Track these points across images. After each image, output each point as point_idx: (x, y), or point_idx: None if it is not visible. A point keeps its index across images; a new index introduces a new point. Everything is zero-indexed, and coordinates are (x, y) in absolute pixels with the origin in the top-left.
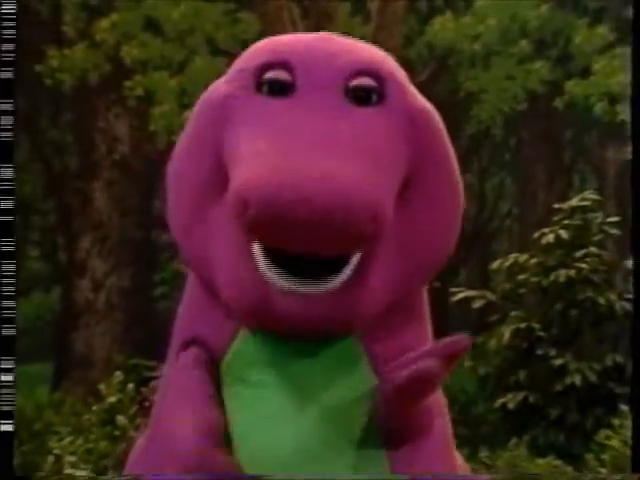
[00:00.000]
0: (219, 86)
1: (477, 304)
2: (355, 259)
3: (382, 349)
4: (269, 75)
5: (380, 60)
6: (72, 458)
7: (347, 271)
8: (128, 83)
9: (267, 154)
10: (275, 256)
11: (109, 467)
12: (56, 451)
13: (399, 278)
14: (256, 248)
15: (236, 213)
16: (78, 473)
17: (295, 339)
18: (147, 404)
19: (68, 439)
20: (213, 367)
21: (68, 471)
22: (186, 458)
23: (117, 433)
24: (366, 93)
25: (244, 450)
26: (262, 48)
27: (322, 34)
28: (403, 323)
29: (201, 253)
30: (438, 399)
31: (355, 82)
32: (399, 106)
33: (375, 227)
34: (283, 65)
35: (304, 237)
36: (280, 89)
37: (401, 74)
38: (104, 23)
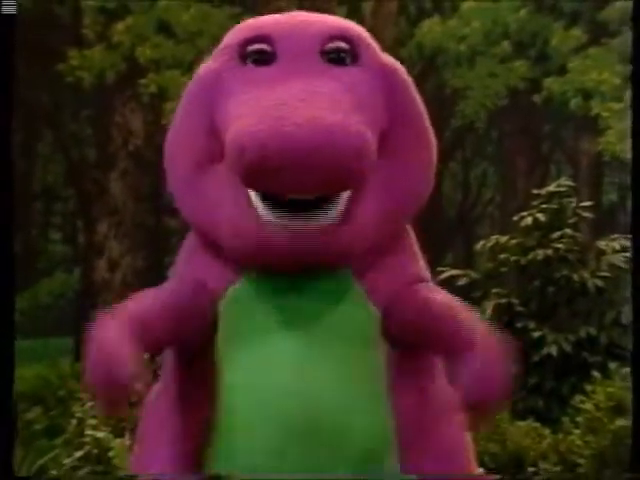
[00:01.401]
0: (207, 65)
1: (462, 282)
2: (345, 197)
3: (375, 283)
4: (252, 48)
5: (350, 26)
6: (93, 421)
7: (337, 208)
8: (142, 81)
9: (257, 110)
10: (271, 201)
11: (126, 429)
12: (78, 415)
13: (384, 215)
14: (253, 195)
15: (234, 159)
16: (98, 434)
17: (292, 277)
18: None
19: (89, 404)
20: (212, 307)
21: (89, 432)
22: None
23: (133, 399)
24: (340, 55)
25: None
26: (243, 26)
27: (296, 12)
28: (393, 259)
29: (199, 211)
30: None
31: (330, 45)
32: (371, 64)
33: (361, 163)
34: (263, 38)
35: (296, 177)
36: (263, 59)
37: (368, 37)
38: (120, 26)
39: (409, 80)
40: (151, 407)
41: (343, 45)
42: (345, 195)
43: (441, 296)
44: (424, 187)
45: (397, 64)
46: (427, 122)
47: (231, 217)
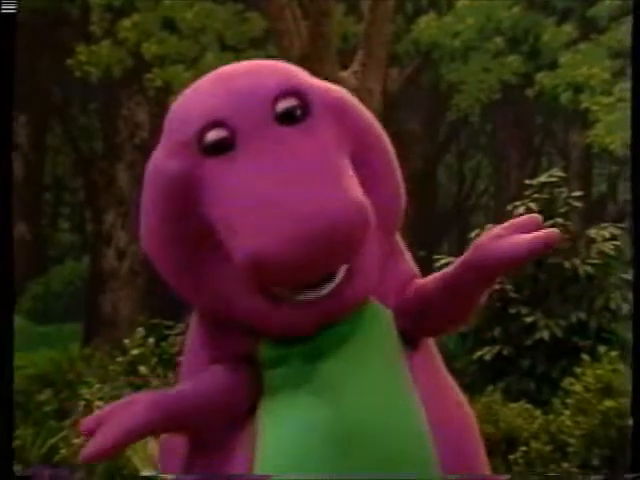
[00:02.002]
0: (166, 162)
1: None
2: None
3: (382, 292)
4: (209, 139)
5: (289, 75)
6: (100, 403)
7: (341, 273)
8: (148, 75)
9: (250, 214)
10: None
11: None
12: (87, 397)
13: (379, 245)
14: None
15: (253, 274)
16: None
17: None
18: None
19: (97, 387)
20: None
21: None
22: None
23: (139, 382)
24: (292, 113)
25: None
26: (191, 114)
27: (224, 70)
28: (389, 265)
29: (210, 296)
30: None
31: (279, 108)
32: (321, 108)
33: (366, 224)
34: (217, 124)
35: (316, 267)
36: (224, 146)
37: (305, 75)
38: (126, 23)
39: (355, 103)
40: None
41: (292, 102)
42: None
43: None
44: (401, 201)
45: (341, 93)
46: (378, 131)
47: (249, 303)
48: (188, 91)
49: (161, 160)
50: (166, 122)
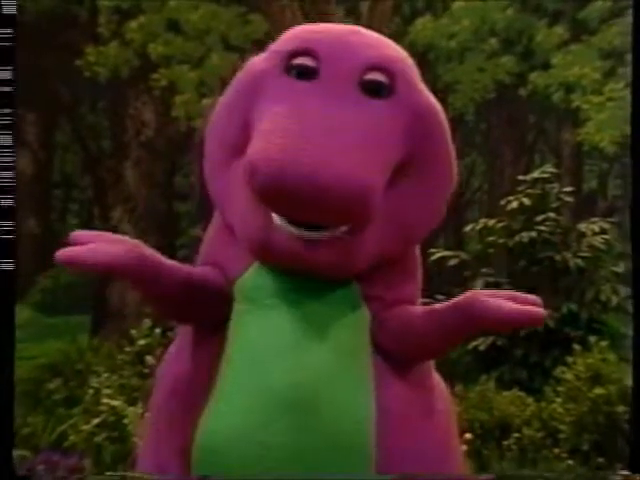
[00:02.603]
0: (258, 62)
1: (452, 262)
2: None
3: (380, 300)
4: (297, 61)
5: (394, 58)
6: (108, 391)
7: (341, 230)
8: (154, 75)
9: (281, 132)
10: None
11: (139, 398)
12: (95, 385)
13: (391, 239)
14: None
15: (247, 177)
16: (113, 403)
17: (301, 276)
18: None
19: (105, 376)
20: (228, 287)
21: (105, 401)
22: None
23: (146, 371)
24: (377, 87)
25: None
26: (295, 35)
27: (351, 27)
28: (399, 279)
29: (223, 197)
30: None
31: (368, 76)
32: (406, 101)
33: (364, 210)
34: (310, 53)
35: (300, 208)
36: (305, 73)
37: (412, 72)
38: (133, 24)
39: (443, 120)
40: (163, 376)
41: (381, 78)
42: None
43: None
44: (435, 218)
45: (434, 104)
46: (452, 160)
47: (243, 213)
48: (311, 25)
49: (256, 59)
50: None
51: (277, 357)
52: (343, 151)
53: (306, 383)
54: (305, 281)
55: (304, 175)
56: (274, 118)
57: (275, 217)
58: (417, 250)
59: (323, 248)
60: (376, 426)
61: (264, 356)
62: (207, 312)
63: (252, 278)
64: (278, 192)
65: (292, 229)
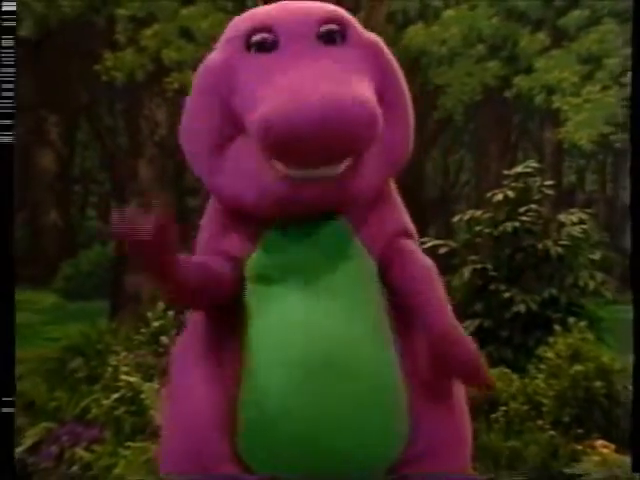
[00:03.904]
0: (213, 56)
1: (443, 250)
2: (349, 159)
3: (370, 236)
4: (256, 38)
5: (338, 10)
6: (126, 369)
7: (343, 164)
8: (167, 79)
9: (276, 91)
10: (289, 164)
11: (155, 375)
12: (114, 364)
13: (382, 170)
14: (274, 162)
15: (262, 135)
16: (131, 379)
17: (299, 241)
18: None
19: (123, 355)
20: (238, 266)
21: (123, 378)
22: None
23: (161, 350)
24: (333, 35)
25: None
26: (245, 18)
27: (284, 1)
28: (383, 212)
29: (226, 181)
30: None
31: (324, 28)
32: (357, 41)
33: (373, 129)
34: (265, 28)
35: (318, 147)
36: (267, 47)
37: (354, 20)
38: (148, 32)
39: (388, 52)
40: (180, 358)
41: (334, 27)
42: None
43: (419, 266)
44: (409, 147)
45: (379, 40)
46: (405, 86)
47: (256, 179)
48: (245, 13)
49: (210, 57)
50: (223, 34)
51: (299, 328)
52: (335, 86)
53: (329, 348)
54: (311, 250)
55: (314, 114)
56: (262, 87)
57: (283, 171)
58: (392, 182)
59: (329, 184)
60: (402, 368)
61: (286, 328)
62: (219, 297)
63: (261, 257)
64: (294, 137)
65: (302, 173)
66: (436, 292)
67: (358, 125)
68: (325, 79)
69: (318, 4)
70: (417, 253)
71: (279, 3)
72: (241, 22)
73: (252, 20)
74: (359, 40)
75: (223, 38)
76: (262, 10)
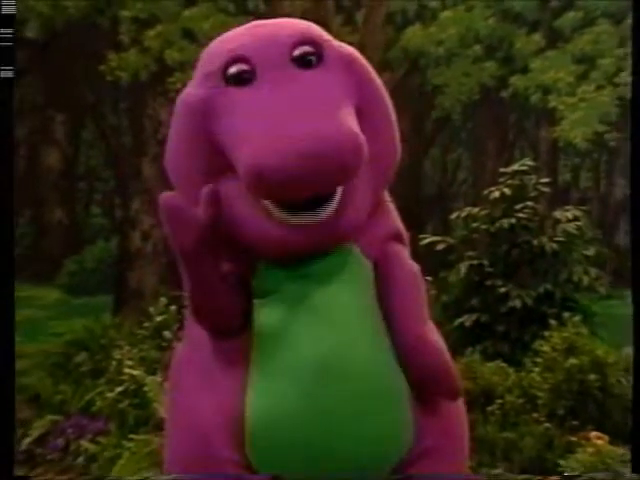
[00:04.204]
0: (192, 92)
1: (440, 247)
2: (339, 190)
3: (363, 236)
4: (232, 71)
5: (309, 29)
6: (130, 362)
7: (335, 201)
8: (170, 79)
9: (259, 132)
10: (281, 204)
11: (158, 369)
12: (118, 358)
13: (372, 191)
14: (265, 202)
15: (253, 183)
16: (134, 372)
17: (306, 260)
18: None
19: (126, 349)
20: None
21: (127, 371)
22: None
23: (164, 344)
24: (308, 58)
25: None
26: (219, 51)
27: (255, 22)
28: (375, 214)
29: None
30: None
31: (297, 52)
32: (334, 59)
33: (359, 157)
34: (240, 59)
35: (308, 184)
36: (244, 78)
37: (324, 33)
38: (151, 32)
39: (363, 60)
40: (182, 366)
41: (309, 49)
42: (340, 189)
43: (404, 270)
44: (397, 154)
45: (352, 50)
46: (385, 93)
47: (251, 225)
48: (219, 38)
49: (188, 91)
50: (198, 62)
51: (301, 334)
52: (318, 119)
53: (331, 351)
54: (311, 262)
55: (303, 154)
56: (243, 125)
57: (279, 213)
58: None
59: (324, 227)
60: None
61: (289, 335)
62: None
63: (263, 276)
64: (286, 181)
65: (297, 219)
66: (416, 298)
67: (345, 156)
68: (306, 113)
69: (289, 23)
70: (404, 257)
71: (249, 26)
72: (216, 53)
73: (227, 52)
74: (335, 58)
75: (200, 71)
76: (235, 38)
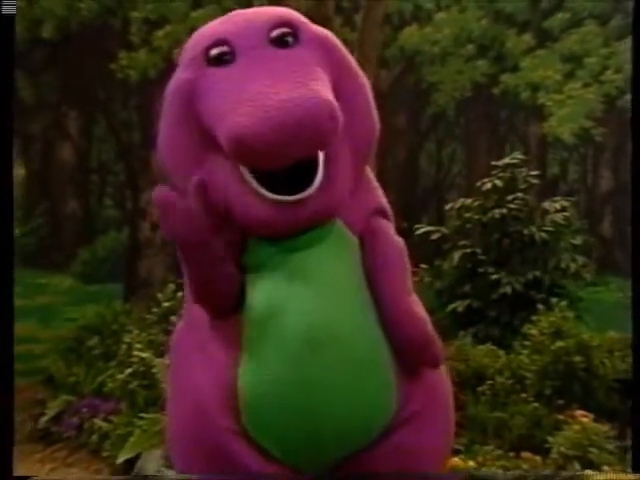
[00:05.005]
0: (178, 76)
1: (435, 236)
2: (321, 165)
3: (350, 218)
4: (213, 52)
5: (286, 12)
6: (139, 346)
7: (317, 177)
8: None
9: (240, 104)
10: (263, 179)
11: (166, 352)
12: (128, 341)
13: (352, 168)
14: (248, 177)
15: (234, 150)
16: (143, 355)
17: (293, 236)
18: None
19: (136, 333)
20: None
21: (136, 353)
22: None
23: (171, 328)
24: (285, 38)
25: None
26: (202, 34)
27: (236, 11)
28: (359, 191)
29: (208, 187)
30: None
31: (275, 33)
32: (310, 40)
33: (334, 123)
34: (220, 42)
35: (286, 150)
36: (225, 60)
37: (301, 17)
38: (160, 33)
39: (338, 41)
40: (181, 344)
41: (285, 30)
42: (321, 163)
43: (389, 244)
44: (374, 130)
45: (329, 34)
46: (357, 69)
47: (239, 204)
48: (201, 28)
49: (175, 76)
50: (182, 52)
51: (290, 306)
52: (293, 88)
53: (319, 321)
54: (298, 238)
55: (280, 120)
56: (225, 100)
57: (262, 190)
58: (368, 168)
59: (307, 205)
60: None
61: (279, 307)
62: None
63: (253, 252)
64: (264, 147)
65: (280, 197)
66: (401, 271)
67: (320, 121)
68: (282, 84)
69: (268, 9)
70: (389, 232)
71: (231, 14)
72: (199, 38)
73: (209, 36)
74: (311, 38)
75: (185, 56)
76: (217, 24)
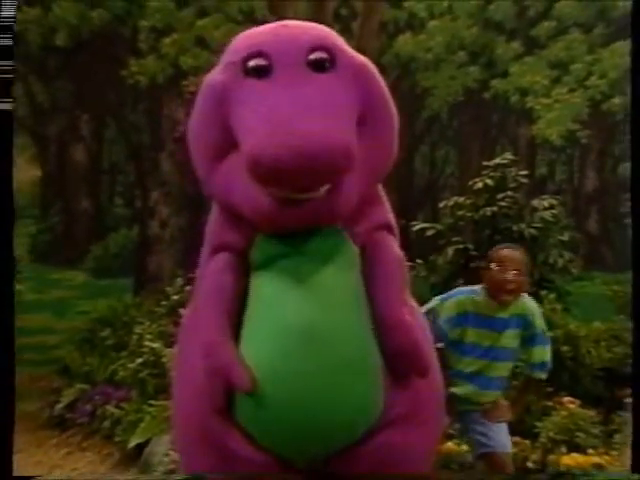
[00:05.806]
0: (216, 76)
1: (430, 233)
2: None
3: (354, 229)
4: (252, 64)
5: (326, 35)
6: (149, 336)
7: (324, 188)
8: (185, 82)
9: (264, 124)
10: None
11: (175, 342)
12: (139, 332)
13: (364, 184)
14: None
15: (251, 169)
16: (154, 345)
17: (300, 238)
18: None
19: (146, 324)
20: (241, 260)
21: (147, 344)
22: (204, 350)
23: (179, 320)
24: (322, 63)
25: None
26: (243, 42)
27: (284, 22)
28: (367, 206)
29: (222, 191)
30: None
31: (312, 56)
32: (346, 67)
33: (348, 163)
34: (260, 54)
35: (300, 179)
36: (262, 72)
37: (342, 42)
38: (167, 40)
39: (376, 72)
40: (188, 328)
41: (324, 55)
42: None
43: (389, 255)
44: (392, 158)
45: (366, 61)
46: (391, 104)
47: (249, 197)
48: (245, 33)
49: (212, 76)
50: (224, 53)
51: (289, 303)
52: (318, 121)
53: (315, 320)
54: (304, 241)
55: (298, 151)
56: (252, 116)
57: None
58: (379, 186)
59: (314, 205)
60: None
61: (278, 304)
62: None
63: (260, 248)
64: (279, 173)
65: (289, 196)
66: (398, 281)
67: (335, 160)
68: (309, 113)
69: (310, 28)
70: (391, 245)
71: (274, 25)
72: (242, 43)
73: (251, 45)
74: (347, 65)
75: (225, 59)
76: (258, 34)
